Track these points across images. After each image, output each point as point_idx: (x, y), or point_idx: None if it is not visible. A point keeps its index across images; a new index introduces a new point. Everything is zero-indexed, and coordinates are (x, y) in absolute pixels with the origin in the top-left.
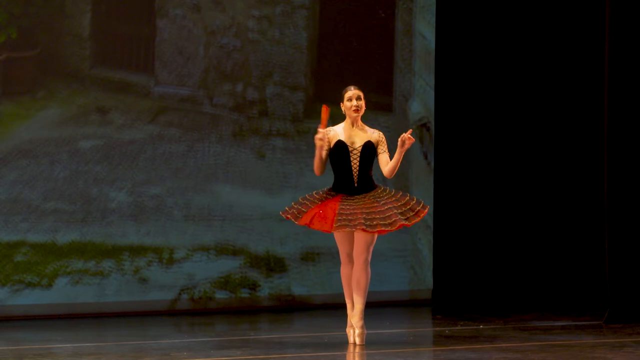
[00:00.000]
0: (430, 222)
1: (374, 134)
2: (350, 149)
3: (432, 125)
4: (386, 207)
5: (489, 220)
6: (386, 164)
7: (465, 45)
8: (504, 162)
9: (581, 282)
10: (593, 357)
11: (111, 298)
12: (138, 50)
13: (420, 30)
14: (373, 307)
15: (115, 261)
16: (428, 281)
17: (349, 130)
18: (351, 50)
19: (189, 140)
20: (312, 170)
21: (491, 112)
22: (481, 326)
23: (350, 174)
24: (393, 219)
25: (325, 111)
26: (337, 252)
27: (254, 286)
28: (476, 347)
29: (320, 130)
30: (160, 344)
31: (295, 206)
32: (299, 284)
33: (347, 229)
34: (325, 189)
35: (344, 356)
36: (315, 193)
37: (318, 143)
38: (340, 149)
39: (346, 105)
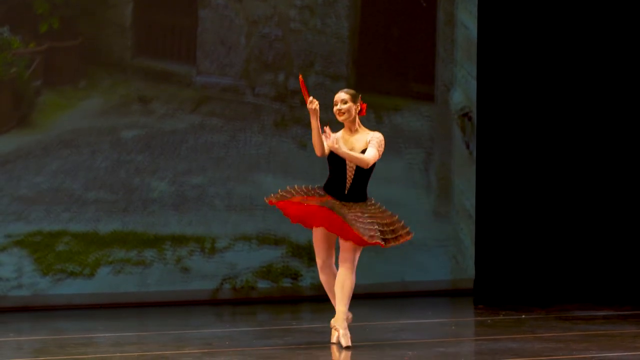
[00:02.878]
0: (472, 211)
1: (368, 137)
2: None
3: (474, 115)
4: (369, 220)
5: (531, 209)
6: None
7: (507, 35)
8: (546, 151)
9: (624, 271)
10: (635, 347)
11: (153, 288)
12: (180, 40)
13: (462, 19)
14: (415, 297)
15: (157, 251)
16: (470, 271)
17: (347, 136)
18: (392, 39)
19: (231, 130)
20: None
21: (533, 101)
22: (523, 316)
23: (344, 181)
24: (371, 233)
25: (301, 82)
26: None
27: (295, 276)
28: (518, 336)
29: (308, 100)
30: (202, 333)
31: (281, 192)
32: None
33: (332, 212)
34: (317, 187)
35: (388, 345)
36: (305, 187)
37: (312, 110)
38: (337, 156)
39: (334, 111)
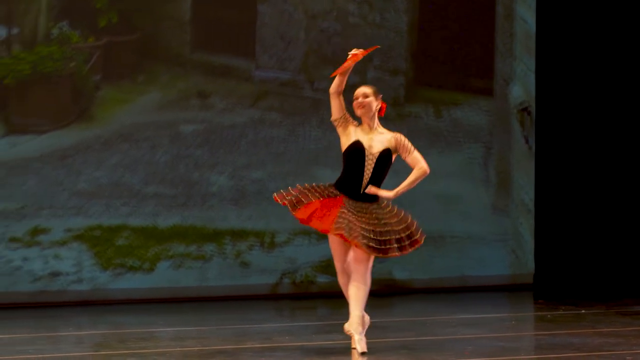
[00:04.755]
0: (531, 205)
1: (391, 140)
2: (367, 153)
3: (532, 110)
4: (385, 229)
5: (590, 203)
6: (413, 166)
7: (565, 29)
8: (605, 144)
9: None
10: None
11: (212, 282)
12: (239, 34)
13: (521, 14)
14: (474, 292)
15: (217, 245)
16: (529, 265)
17: (367, 133)
18: (451, 34)
19: (290, 125)
20: None
21: (592, 95)
22: (583, 311)
23: (360, 180)
24: (387, 246)
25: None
26: (439, 236)
27: None
28: (578, 331)
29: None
30: (261, 327)
31: (294, 193)
32: (400, 268)
33: (344, 234)
34: (327, 184)
35: (447, 340)
36: (317, 186)
37: (354, 56)
38: (356, 151)
39: (354, 105)
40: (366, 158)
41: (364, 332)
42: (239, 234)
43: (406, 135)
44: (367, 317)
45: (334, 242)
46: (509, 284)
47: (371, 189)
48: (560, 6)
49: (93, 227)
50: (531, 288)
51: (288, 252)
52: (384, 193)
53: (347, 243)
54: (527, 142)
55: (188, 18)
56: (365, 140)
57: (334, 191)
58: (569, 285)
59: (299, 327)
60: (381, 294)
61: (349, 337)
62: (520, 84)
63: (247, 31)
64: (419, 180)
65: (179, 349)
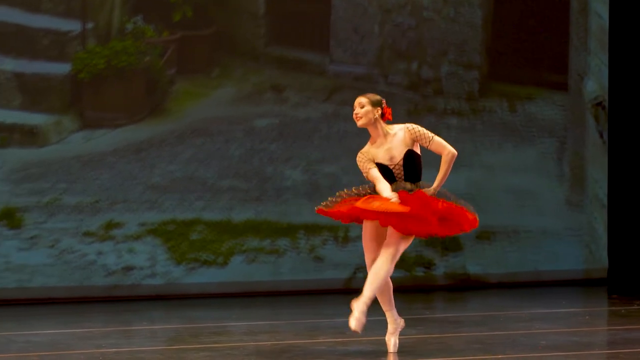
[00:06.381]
0: (605, 200)
1: (406, 136)
2: (390, 166)
3: (607, 104)
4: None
5: None
6: (439, 153)
7: (638, 24)
8: None
9: None
10: None
11: (286, 276)
12: (313, 28)
13: (596, 9)
14: (548, 286)
15: (291, 240)
16: (604, 260)
17: (381, 145)
18: (526, 28)
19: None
20: (488, 149)
21: None
22: None
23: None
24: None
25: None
26: (513, 231)
27: (429, 265)
28: None
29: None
30: (335, 322)
31: (330, 199)
32: (474, 262)
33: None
34: (367, 186)
35: (521, 335)
36: (355, 188)
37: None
38: (382, 170)
39: (353, 117)
40: (393, 170)
41: (397, 333)
42: (312, 229)
43: (481, 130)
44: (401, 321)
45: (367, 234)
46: (582, 278)
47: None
48: (635, 2)
49: (167, 221)
50: (605, 283)
51: (362, 246)
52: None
53: (380, 236)
54: (601, 136)
55: (262, 12)
56: (382, 156)
57: (372, 191)
58: None
59: (372, 321)
60: (455, 289)
61: (421, 332)
62: (594, 78)
63: (322, 25)
64: (451, 166)
65: (252, 343)
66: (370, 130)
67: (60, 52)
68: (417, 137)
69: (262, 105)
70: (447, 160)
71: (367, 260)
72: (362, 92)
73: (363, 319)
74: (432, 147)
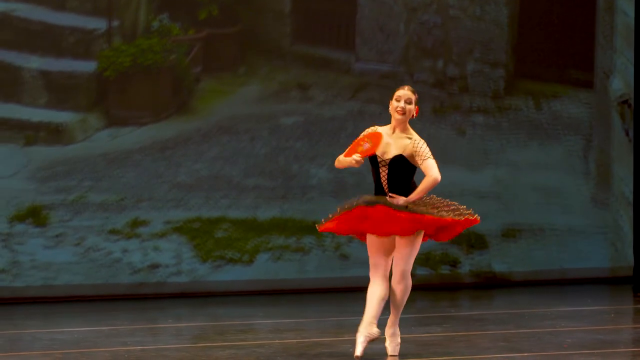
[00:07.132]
0: (632, 198)
1: (408, 146)
2: (379, 159)
3: (633, 102)
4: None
5: None
6: (425, 174)
7: None
8: None
9: None
10: None
11: (312, 274)
12: (339, 26)
13: (622, 7)
14: (573, 284)
15: (316, 237)
16: (629, 258)
17: (387, 137)
18: (552, 26)
19: (390, 117)
20: (513, 147)
21: None
22: None
23: (381, 184)
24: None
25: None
26: (539, 229)
27: (454, 263)
28: None
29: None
30: (361, 320)
31: (329, 215)
32: (500, 260)
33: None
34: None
35: (546, 333)
36: (351, 201)
37: (357, 162)
38: (371, 158)
39: (393, 105)
40: (379, 164)
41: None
42: None
43: (507, 128)
44: (377, 332)
45: (371, 242)
46: (608, 276)
47: (389, 198)
48: None
49: (192, 219)
50: (631, 281)
51: None
52: (396, 200)
53: (385, 243)
54: (627, 134)
55: (288, 10)
56: (381, 147)
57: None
58: None
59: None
60: (481, 287)
61: (447, 330)
62: (620, 76)
63: (347, 23)
64: (429, 189)
65: (277, 341)
66: (399, 123)
67: (86, 50)
68: (415, 151)
69: (288, 104)
70: (427, 182)
71: (371, 269)
72: (387, 91)
73: (397, 341)
74: (422, 167)
